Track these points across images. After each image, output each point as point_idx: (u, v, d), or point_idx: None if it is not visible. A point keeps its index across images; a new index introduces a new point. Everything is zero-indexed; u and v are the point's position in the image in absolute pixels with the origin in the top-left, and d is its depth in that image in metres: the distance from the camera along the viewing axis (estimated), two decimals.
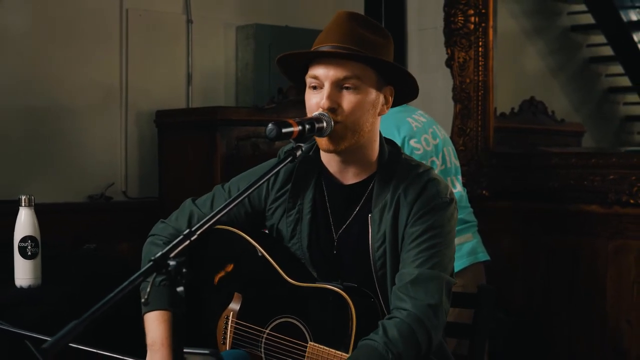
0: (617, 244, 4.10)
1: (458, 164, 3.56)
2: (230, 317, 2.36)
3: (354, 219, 2.29)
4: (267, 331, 2.29)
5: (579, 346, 4.22)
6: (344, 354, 2.11)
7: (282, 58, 2.27)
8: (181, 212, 2.46)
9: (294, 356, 2.21)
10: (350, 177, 2.30)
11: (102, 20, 4.64)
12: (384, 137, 2.35)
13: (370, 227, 2.24)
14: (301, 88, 2.32)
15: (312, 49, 2.22)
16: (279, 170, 2.30)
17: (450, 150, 3.53)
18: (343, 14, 2.24)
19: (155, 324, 2.25)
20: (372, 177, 2.29)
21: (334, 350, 2.13)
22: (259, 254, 2.34)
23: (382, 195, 2.24)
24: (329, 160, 2.31)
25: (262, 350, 2.28)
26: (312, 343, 2.19)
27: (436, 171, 3.40)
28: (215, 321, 2.40)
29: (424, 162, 3.36)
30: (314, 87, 2.21)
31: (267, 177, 2.05)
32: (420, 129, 3.44)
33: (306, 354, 2.19)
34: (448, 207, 2.23)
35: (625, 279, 4.06)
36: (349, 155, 2.25)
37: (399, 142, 3.35)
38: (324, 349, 2.15)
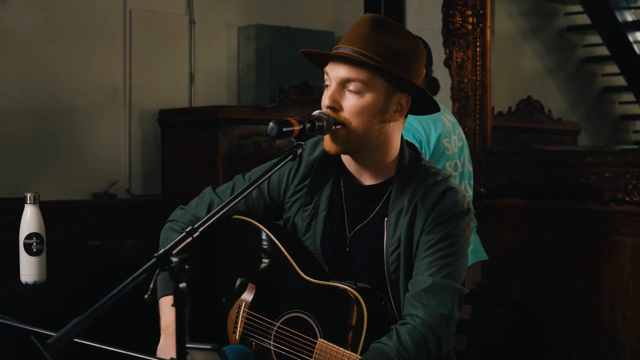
0: (612, 241, 4.09)
1: (472, 169, 3.56)
2: (242, 307, 2.35)
3: (370, 220, 2.27)
4: (277, 324, 2.28)
5: (575, 340, 4.22)
6: (352, 353, 2.10)
7: (303, 53, 2.26)
8: (201, 200, 2.45)
9: (303, 351, 2.21)
10: (367, 179, 2.28)
11: (106, 21, 4.64)
12: (406, 141, 2.32)
13: (385, 231, 2.23)
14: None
15: (333, 49, 2.21)
16: (299, 165, 2.32)
17: (467, 155, 3.53)
18: (366, 17, 2.20)
19: (170, 308, 2.23)
20: (390, 181, 2.26)
21: (342, 349, 2.12)
22: (275, 247, 2.33)
23: (399, 200, 2.22)
24: (348, 160, 2.29)
25: (272, 342, 2.28)
26: (321, 340, 2.18)
27: (456, 173, 3.41)
28: (227, 310, 2.39)
29: (449, 162, 3.37)
30: (326, 85, 2.20)
31: (267, 176, 2.04)
32: (451, 129, 3.44)
33: (315, 350, 2.18)
34: (465, 217, 2.20)
35: (621, 274, 4.06)
36: (361, 157, 2.24)
37: (434, 138, 3.33)
38: (333, 346, 2.14)
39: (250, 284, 2.37)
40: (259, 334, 2.31)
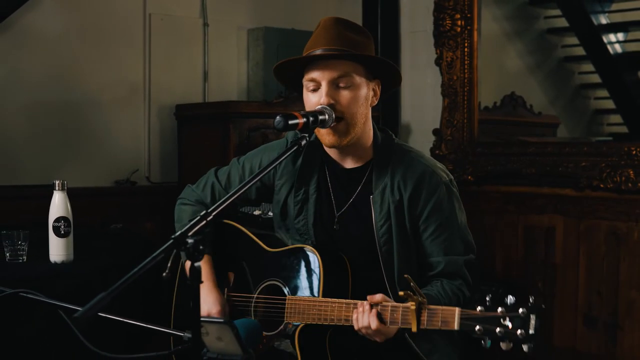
0: (588, 224, 4.08)
1: None
2: (226, 292, 2.42)
3: (355, 199, 2.31)
4: (255, 296, 2.34)
5: (553, 314, 4.22)
6: (316, 298, 2.17)
7: (279, 66, 2.27)
8: (206, 182, 2.52)
9: (277, 311, 2.28)
10: (349, 163, 2.32)
11: (127, 24, 4.63)
12: (376, 125, 2.36)
13: (372, 207, 2.25)
14: (299, 92, 2.33)
15: (304, 54, 2.22)
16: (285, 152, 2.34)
17: None
18: (329, 19, 2.24)
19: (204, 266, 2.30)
20: (369, 162, 2.30)
21: (307, 297, 2.19)
22: (247, 236, 2.42)
23: (381, 179, 2.26)
24: (331, 148, 2.31)
25: (252, 312, 2.34)
26: (289, 296, 2.24)
27: None
28: None
29: None
30: (312, 89, 2.22)
31: (275, 164, 2.11)
32: None
33: (286, 307, 2.24)
34: (450, 189, 2.27)
35: (596, 254, 4.05)
36: (348, 144, 2.25)
37: None
38: (298, 298, 2.21)
39: (230, 272, 2.43)
40: (243, 309, 2.37)
